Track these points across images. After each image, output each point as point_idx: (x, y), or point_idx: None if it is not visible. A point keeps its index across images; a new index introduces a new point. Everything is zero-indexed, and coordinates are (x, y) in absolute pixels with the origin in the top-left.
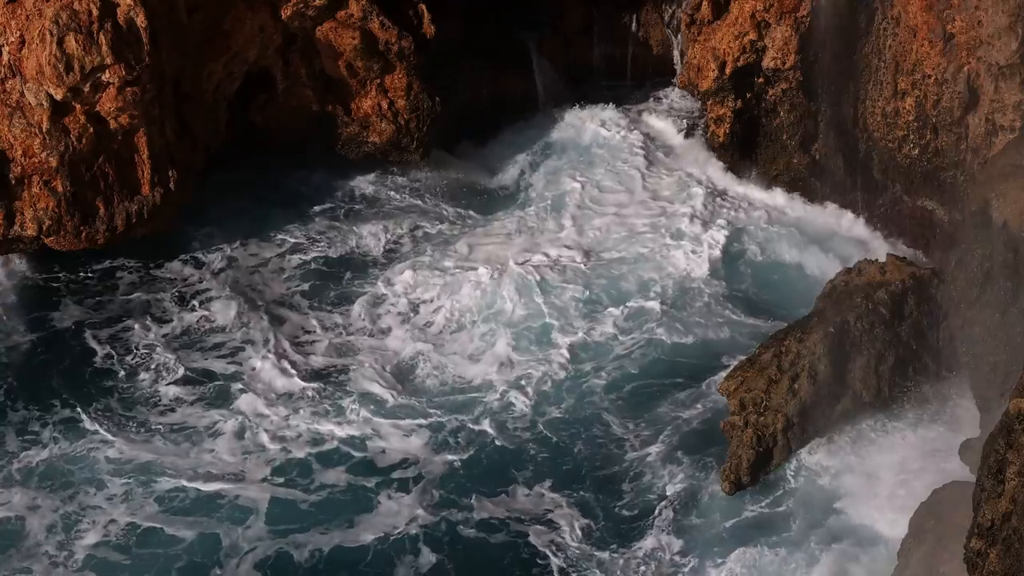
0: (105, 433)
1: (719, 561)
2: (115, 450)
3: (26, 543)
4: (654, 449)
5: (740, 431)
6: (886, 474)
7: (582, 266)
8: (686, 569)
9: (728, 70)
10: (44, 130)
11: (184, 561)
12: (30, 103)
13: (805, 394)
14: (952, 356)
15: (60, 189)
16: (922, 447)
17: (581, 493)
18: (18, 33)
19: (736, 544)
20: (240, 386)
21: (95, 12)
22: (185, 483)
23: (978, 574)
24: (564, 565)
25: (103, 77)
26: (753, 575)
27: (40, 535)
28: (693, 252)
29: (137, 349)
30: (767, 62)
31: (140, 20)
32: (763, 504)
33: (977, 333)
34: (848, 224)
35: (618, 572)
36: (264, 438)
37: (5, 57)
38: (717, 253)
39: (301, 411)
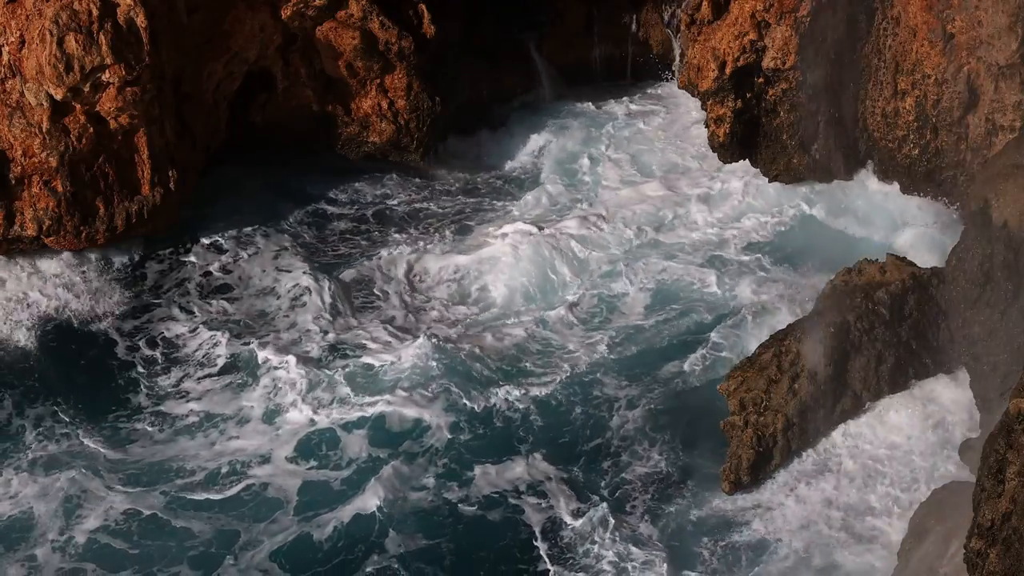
0: (127, 423)
1: (700, 548)
2: (138, 437)
3: (36, 532)
4: (653, 424)
5: (740, 431)
6: (884, 473)
7: (602, 240)
8: (663, 553)
9: (728, 70)
10: (44, 130)
11: (208, 535)
12: (30, 103)
13: (805, 394)
14: (952, 356)
15: (60, 189)
16: (921, 447)
17: (573, 469)
18: (18, 33)
19: (721, 532)
20: (263, 369)
21: (95, 12)
22: (208, 465)
23: (978, 574)
24: (546, 536)
25: (103, 77)
26: (732, 565)
27: (48, 523)
28: (717, 224)
29: (158, 340)
30: (767, 62)
31: (140, 20)
32: (756, 496)
33: (977, 333)
34: None
35: (603, 552)
36: (283, 419)
37: (5, 57)
38: (744, 227)
39: (319, 391)
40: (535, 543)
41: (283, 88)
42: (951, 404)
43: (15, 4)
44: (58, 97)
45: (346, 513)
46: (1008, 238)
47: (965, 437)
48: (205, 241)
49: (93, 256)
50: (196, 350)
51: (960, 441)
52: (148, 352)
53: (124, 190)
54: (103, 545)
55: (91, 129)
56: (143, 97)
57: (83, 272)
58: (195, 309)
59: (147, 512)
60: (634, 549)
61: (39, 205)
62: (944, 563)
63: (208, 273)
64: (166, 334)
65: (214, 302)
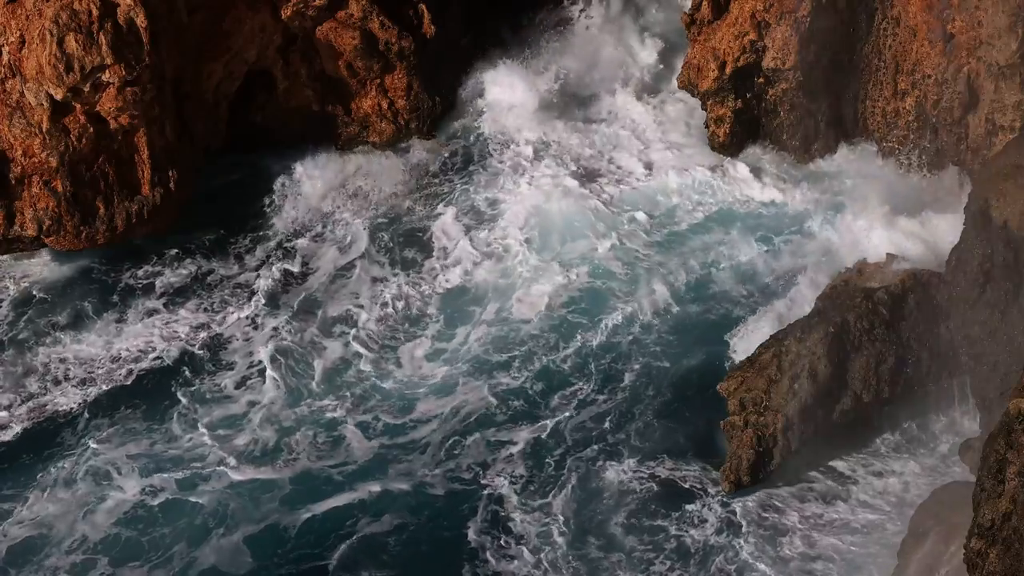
0: (147, 422)
1: (699, 548)
2: (156, 434)
3: (54, 529)
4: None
5: (740, 431)
6: (884, 472)
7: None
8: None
9: (728, 70)
10: (44, 130)
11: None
12: (30, 103)
13: (805, 394)
14: (952, 356)
15: (60, 189)
16: (921, 447)
17: (575, 469)
18: (18, 33)
19: (721, 532)
20: (280, 362)
21: (95, 12)
22: (223, 459)
23: (978, 574)
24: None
25: (103, 77)
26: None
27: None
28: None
29: (169, 335)
30: (767, 62)
31: (140, 20)
32: (755, 496)
33: (977, 333)
34: None
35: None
36: (292, 407)
37: (5, 57)
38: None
39: (338, 377)
40: (525, 538)
41: (283, 88)
42: (950, 404)
43: (15, 4)
44: (58, 97)
45: (354, 496)
46: (1008, 238)
47: (965, 437)
48: (207, 240)
49: (118, 252)
50: (204, 347)
51: (960, 441)
52: (158, 349)
53: (124, 190)
54: (117, 533)
55: (91, 129)
56: (143, 97)
57: (108, 268)
58: (198, 305)
59: (161, 494)
60: (633, 547)
61: (39, 205)
62: (944, 563)
63: (211, 271)
64: (173, 329)
65: (216, 299)
